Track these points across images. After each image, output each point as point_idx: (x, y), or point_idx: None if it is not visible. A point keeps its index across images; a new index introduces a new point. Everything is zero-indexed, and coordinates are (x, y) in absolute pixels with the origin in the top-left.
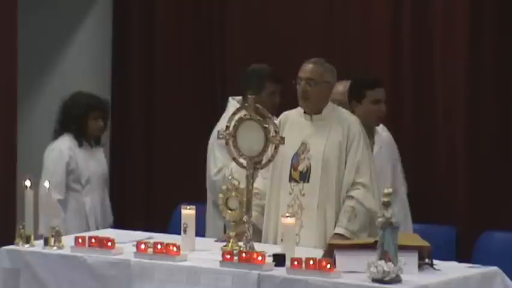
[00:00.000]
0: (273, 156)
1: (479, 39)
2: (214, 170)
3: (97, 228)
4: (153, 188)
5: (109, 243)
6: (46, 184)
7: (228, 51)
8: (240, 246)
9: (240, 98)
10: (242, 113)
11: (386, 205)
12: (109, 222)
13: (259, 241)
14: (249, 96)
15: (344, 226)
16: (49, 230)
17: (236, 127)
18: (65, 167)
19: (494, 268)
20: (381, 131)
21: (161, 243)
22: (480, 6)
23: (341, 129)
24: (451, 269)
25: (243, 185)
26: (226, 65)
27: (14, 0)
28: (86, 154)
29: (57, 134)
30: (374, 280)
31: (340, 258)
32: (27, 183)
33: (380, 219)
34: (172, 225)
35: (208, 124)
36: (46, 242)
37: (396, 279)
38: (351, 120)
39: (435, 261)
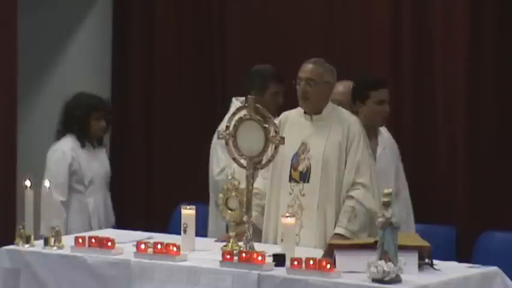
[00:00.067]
0: (273, 156)
1: (479, 39)
2: (216, 170)
3: (100, 229)
4: (153, 188)
5: (109, 243)
6: (46, 184)
7: (228, 51)
8: (240, 246)
9: (243, 98)
10: (242, 113)
11: (386, 205)
12: (111, 222)
13: (259, 241)
14: (249, 96)
15: (344, 226)
16: (49, 230)
17: (236, 127)
18: (68, 168)
19: (494, 268)
20: (384, 131)
21: (161, 243)
22: (480, 6)
23: (341, 129)
24: (451, 269)
25: (243, 185)
26: (226, 65)
27: (14, 0)
28: (88, 155)
29: (59, 135)
30: (374, 280)
31: (340, 258)
32: (27, 183)
33: (380, 219)
34: (172, 225)
35: (208, 124)
36: (46, 242)
37: (396, 279)
38: (351, 121)
39: (435, 261)
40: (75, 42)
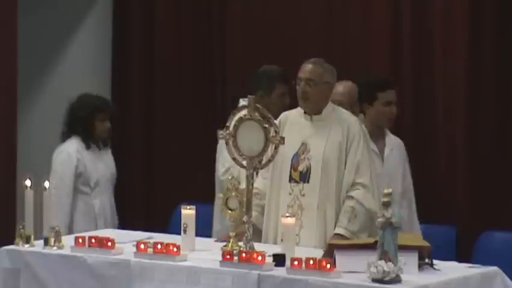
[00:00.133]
0: (273, 156)
1: (479, 39)
2: (222, 169)
3: None
4: (153, 188)
5: (109, 243)
6: (46, 184)
7: (228, 51)
8: (240, 246)
9: None
10: (242, 113)
11: (386, 205)
12: (116, 223)
13: (259, 241)
14: (249, 96)
15: (344, 226)
16: (49, 230)
17: (236, 127)
18: (74, 170)
19: (494, 268)
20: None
21: (161, 243)
22: (480, 6)
23: (341, 129)
24: (451, 269)
25: (243, 185)
26: (226, 65)
27: (14, 0)
28: (94, 156)
29: (65, 137)
30: (374, 280)
31: (340, 258)
32: (28, 183)
33: (380, 219)
34: (172, 225)
35: (208, 124)
36: (46, 242)
37: (396, 279)
38: (351, 121)
39: (435, 261)
40: (75, 42)
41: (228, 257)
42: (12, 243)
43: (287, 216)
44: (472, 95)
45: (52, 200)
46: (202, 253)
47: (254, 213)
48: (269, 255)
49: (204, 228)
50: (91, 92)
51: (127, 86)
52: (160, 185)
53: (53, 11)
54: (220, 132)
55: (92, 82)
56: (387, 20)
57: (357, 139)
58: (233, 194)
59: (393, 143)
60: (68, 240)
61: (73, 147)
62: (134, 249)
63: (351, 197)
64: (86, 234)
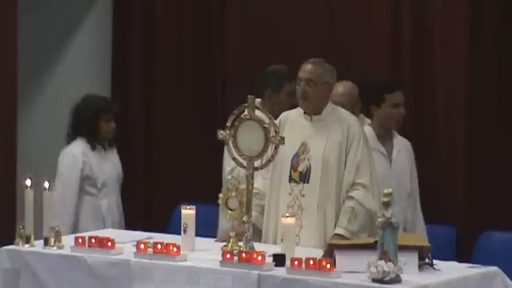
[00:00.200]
0: (273, 156)
1: (479, 39)
2: (227, 168)
3: None
4: (153, 188)
5: (109, 243)
6: (46, 184)
7: (228, 51)
8: (240, 246)
9: (259, 100)
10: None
11: (386, 205)
12: (123, 224)
13: (259, 241)
14: (249, 96)
15: (343, 226)
16: (49, 230)
17: (236, 127)
18: (79, 172)
19: (494, 268)
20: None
21: (161, 243)
22: (480, 6)
23: (341, 129)
24: (451, 269)
25: (243, 185)
26: (226, 65)
27: (14, 0)
28: (100, 157)
29: (70, 138)
30: (374, 280)
31: (340, 258)
32: (28, 183)
33: (380, 219)
34: (172, 225)
35: (208, 124)
36: (46, 242)
37: (396, 279)
38: (351, 121)
39: (435, 261)
40: (75, 42)
41: (228, 257)
42: (12, 243)
43: (287, 216)
44: (472, 95)
45: (57, 202)
46: (202, 253)
47: (254, 213)
48: (269, 255)
49: (203, 229)
50: (94, 93)
51: (127, 86)
52: (160, 185)
53: (53, 11)
54: (220, 132)
55: (92, 82)
56: (387, 20)
57: (357, 139)
58: (233, 194)
59: (401, 145)
60: (68, 240)
61: (78, 149)
62: (134, 249)
63: (351, 197)
64: (86, 234)
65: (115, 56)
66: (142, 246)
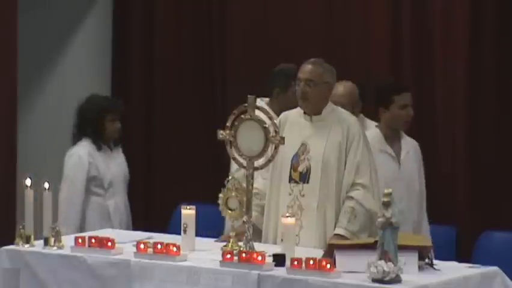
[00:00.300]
0: (273, 156)
1: (479, 39)
2: (235, 166)
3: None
4: (153, 188)
5: (109, 243)
6: (46, 185)
7: (228, 51)
8: (240, 246)
9: (267, 99)
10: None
11: (386, 205)
12: (130, 224)
13: (259, 241)
14: (249, 96)
15: (343, 227)
16: (49, 230)
17: (236, 127)
18: (85, 173)
19: (494, 268)
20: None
21: (161, 243)
22: (480, 6)
23: (341, 130)
24: (450, 269)
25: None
26: (226, 65)
27: (14, 0)
28: (106, 157)
29: (75, 139)
30: (374, 280)
31: (340, 258)
32: (28, 183)
33: (380, 219)
34: (172, 225)
35: (208, 124)
36: (46, 242)
37: (396, 279)
38: (350, 121)
39: (435, 261)
40: (75, 42)
41: (228, 257)
42: (12, 243)
43: (287, 216)
44: (472, 95)
45: (64, 204)
46: (202, 253)
47: (254, 213)
48: (269, 255)
49: (203, 229)
50: (95, 92)
51: (127, 86)
52: (160, 185)
53: (53, 11)
54: (220, 132)
55: (92, 82)
56: (387, 20)
57: (357, 139)
58: (233, 194)
59: (409, 146)
60: (68, 240)
61: (84, 149)
62: (134, 249)
63: (351, 198)
64: (86, 234)
65: (115, 56)
66: (142, 246)
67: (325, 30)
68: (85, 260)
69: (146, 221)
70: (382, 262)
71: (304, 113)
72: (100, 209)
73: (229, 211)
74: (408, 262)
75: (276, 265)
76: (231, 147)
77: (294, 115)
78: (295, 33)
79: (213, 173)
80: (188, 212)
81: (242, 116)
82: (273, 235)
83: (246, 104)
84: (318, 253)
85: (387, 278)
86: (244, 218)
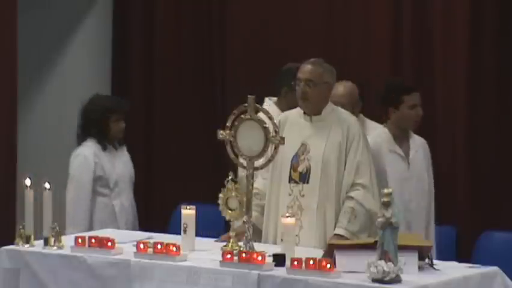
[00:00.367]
0: (273, 156)
1: (479, 39)
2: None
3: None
4: (153, 188)
5: (109, 243)
6: (46, 185)
7: (228, 51)
8: (240, 246)
9: (275, 98)
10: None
11: (386, 205)
12: (136, 223)
13: (259, 241)
14: (249, 96)
15: (343, 227)
16: (50, 230)
17: (236, 127)
18: (92, 174)
19: (494, 268)
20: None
21: (161, 243)
22: (480, 6)
23: (341, 130)
24: (451, 269)
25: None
26: (226, 65)
27: (13, 0)
28: (111, 157)
29: (80, 140)
30: (374, 280)
31: (340, 258)
32: (27, 182)
33: (380, 219)
34: (172, 225)
35: (208, 124)
36: (46, 242)
37: (396, 279)
38: (350, 121)
39: (435, 261)
40: (75, 42)
41: (228, 257)
42: (12, 243)
43: (287, 217)
44: (472, 95)
45: (71, 205)
46: (202, 253)
47: (254, 213)
48: (269, 255)
49: (203, 229)
50: (96, 92)
51: (127, 86)
52: (160, 185)
53: (53, 11)
54: (220, 132)
55: (92, 82)
56: (388, 20)
57: (357, 139)
58: (233, 194)
59: (418, 144)
60: (68, 240)
61: (89, 150)
62: (134, 249)
63: (351, 198)
64: (86, 234)
65: (115, 56)
66: (142, 246)
67: (325, 30)
68: (85, 260)
69: (146, 221)
70: (382, 262)
71: (304, 113)
72: (106, 209)
73: (229, 211)
74: (408, 262)
75: (276, 265)
76: (231, 147)
77: (294, 115)
78: (295, 33)
79: (213, 173)
80: (188, 212)
81: (242, 116)
82: (273, 235)
83: (246, 104)
84: (318, 253)
85: (387, 278)
86: (244, 218)
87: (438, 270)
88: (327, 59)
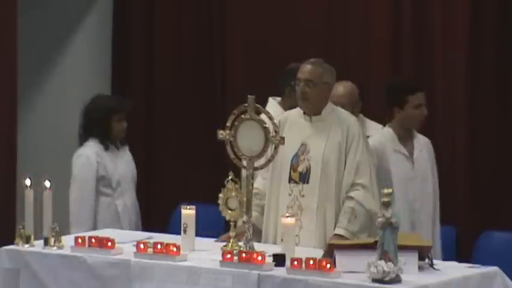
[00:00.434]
0: (272, 156)
1: (479, 39)
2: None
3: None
4: (153, 188)
5: (109, 243)
6: (47, 184)
7: (228, 51)
8: (240, 246)
9: (280, 98)
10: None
11: (386, 205)
12: (140, 223)
13: (259, 241)
14: (249, 96)
15: (343, 227)
16: (50, 230)
17: (236, 127)
18: (94, 174)
19: (494, 268)
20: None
21: (161, 243)
22: (480, 5)
23: (341, 130)
24: (450, 269)
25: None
26: (226, 65)
27: (13, 0)
28: (113, 157)
29: (82, 140)
30: (374, 280)
31: (340, 258)
32: (27, 182)
33: (380, 219)
34: (172, 225)
35: (208, 123)
36: (46, 242)
37: (396, 279)
38: (350, 121)
39: (435, 261)
40: (75, 42)
41: (228, 257)
42: (12, 243)
43: (287, 216)
44: (472, 95)
45: (74, 205)
46: (202, 253)
47: (254, 213)
48: (269, 255)
49: (203, 229)
50: (96, 92)
51: (127, 85)
52: (160, 185)
53: (53, 10)
54: (220, 132)
55: (92, 82)
56: (388, 20)
57: (357, 139)
58: (233, 194)
59: (422, 144)
60: (68, 240)
61: (91, 150)
62: (134, 249)
63: (351, 198)
64: (86, 234)
65: (115, 55)
66: (142, 246)
67: (325, 30)
68: (85, 260)
69: (147, 221)
70: (382, 262)
71: (304, 113)
72: (109, 209)
73: (229, 211)
74: (408, 262)
75: (276, 265)
76: (231, 147)
77: (294, 115)
78: (295, 33)
79: (213, 173)
80: (188, 212)
81: (242, 116)
82: (273, 235)
83: (246, 104)
84: (318, 253)
85: (387, 278)
86: (244, 218)
87: (438, 270)
88: (327, 59)
